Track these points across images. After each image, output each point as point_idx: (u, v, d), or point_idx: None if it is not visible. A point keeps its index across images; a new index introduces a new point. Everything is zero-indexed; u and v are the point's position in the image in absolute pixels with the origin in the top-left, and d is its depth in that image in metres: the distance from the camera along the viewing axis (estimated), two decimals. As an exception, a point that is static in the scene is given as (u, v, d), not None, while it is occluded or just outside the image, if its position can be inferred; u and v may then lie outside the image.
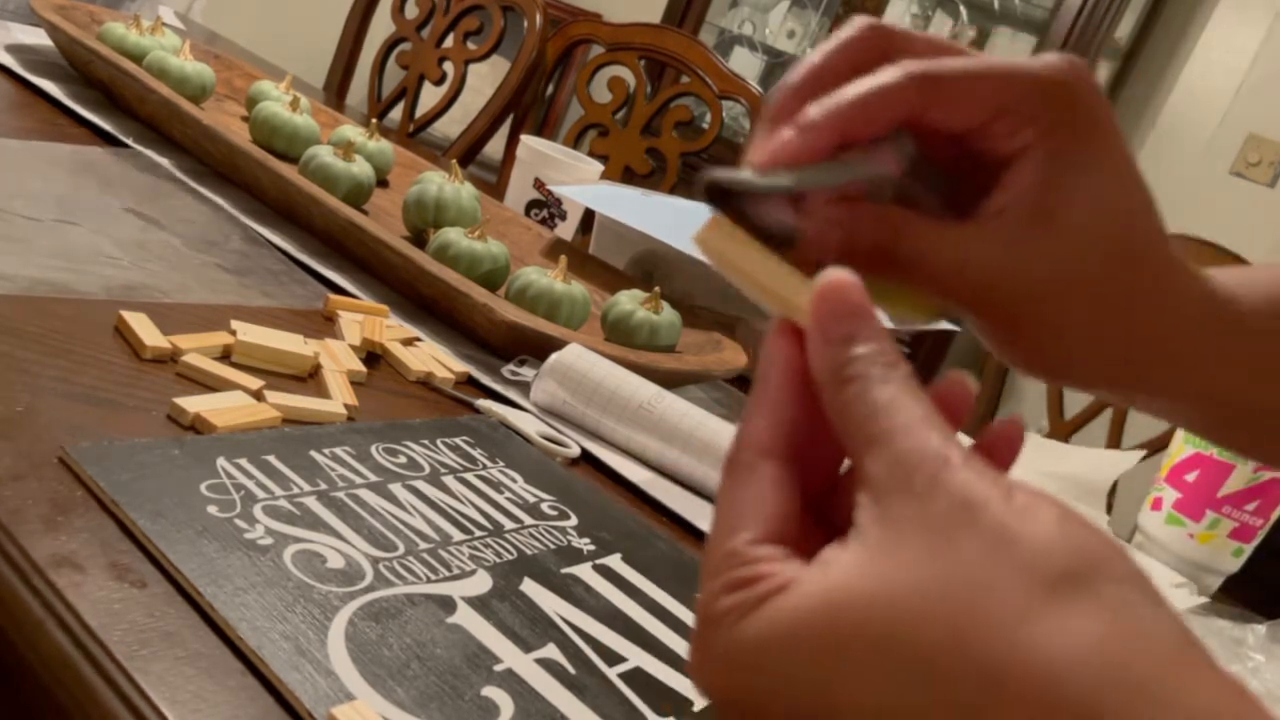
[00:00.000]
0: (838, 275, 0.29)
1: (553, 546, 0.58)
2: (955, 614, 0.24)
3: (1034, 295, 0.37)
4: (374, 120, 1.15)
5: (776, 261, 0.31)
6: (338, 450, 0.58)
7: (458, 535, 0.55)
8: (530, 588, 0.53)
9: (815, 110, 0.34)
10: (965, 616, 0.24)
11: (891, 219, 0.36)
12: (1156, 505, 1.01)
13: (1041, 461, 1.15)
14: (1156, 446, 1.37)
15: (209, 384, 0.60)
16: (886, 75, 0.35)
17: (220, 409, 0.56)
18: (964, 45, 0.37)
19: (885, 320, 0.40)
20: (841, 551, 0.27)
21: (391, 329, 0.76)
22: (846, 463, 0.31)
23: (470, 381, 0.77)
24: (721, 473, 0.31)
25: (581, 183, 1.24)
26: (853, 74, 0.36)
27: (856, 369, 0.28)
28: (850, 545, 0.27)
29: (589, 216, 1.26)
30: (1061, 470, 1.07)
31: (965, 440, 0.28)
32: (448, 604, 0.49)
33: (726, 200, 0.32)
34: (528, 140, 1.27)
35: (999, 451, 0.30)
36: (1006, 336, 0.39)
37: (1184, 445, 1.00)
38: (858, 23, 0.36)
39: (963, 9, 3.16)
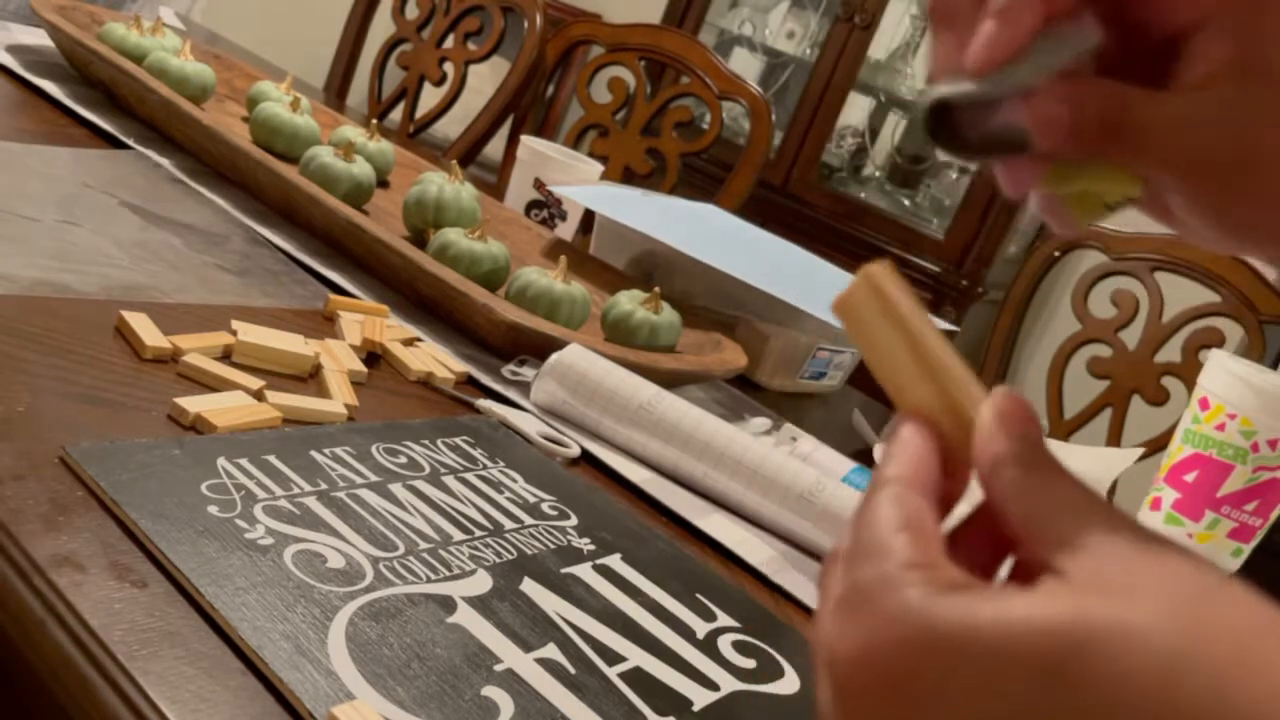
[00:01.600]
0: (1013, 392, 0.29)
1: (553, 546, 0.58)
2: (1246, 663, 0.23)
3: (1256, 156, 0.35)
4: (374, 121, 1.15)
5: (919, 339, 0.31)
6: (338, 450, 0.58)
7: (458, 535, 0.55)
8: (530, 587, 0.53)
9: None
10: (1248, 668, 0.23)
11: (1115, 90, 0.35)
12: (1156, 505, 1.01)
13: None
14: (1156, 446, 1.37)
15: (209, 384, 0.60)
16: None
17: (221, 409, 0.56)
18: None
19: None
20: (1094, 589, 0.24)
21: (391, 329, 0.76)
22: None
23: (470, 381, 0.77)
24: (875, 489, 0.29)
25: (581, 183, 1.24)
26: None
27: (1044, 458, 0.28)
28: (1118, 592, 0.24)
29: (589, 216, 1.26)
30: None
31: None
32: (448, 604, 0.49)
33: (951, 116, 0.32)
34: (528, 141, 1.27)
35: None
36: (1221, 203, 0.37)
37: (1183, 446, 1.00)
38: None
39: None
